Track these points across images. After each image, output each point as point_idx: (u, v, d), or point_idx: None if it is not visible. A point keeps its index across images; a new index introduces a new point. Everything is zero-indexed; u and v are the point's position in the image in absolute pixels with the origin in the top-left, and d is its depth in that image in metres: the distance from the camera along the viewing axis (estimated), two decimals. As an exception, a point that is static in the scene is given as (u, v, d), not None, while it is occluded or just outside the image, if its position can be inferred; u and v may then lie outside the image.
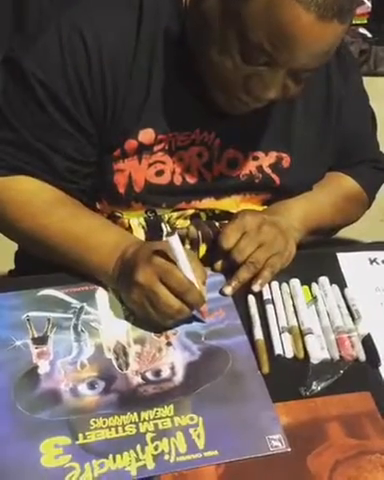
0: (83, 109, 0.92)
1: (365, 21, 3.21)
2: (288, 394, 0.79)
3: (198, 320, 0.88)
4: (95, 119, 0.93)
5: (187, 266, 0.83)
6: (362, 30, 3.19)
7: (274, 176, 1.03)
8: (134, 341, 0.86)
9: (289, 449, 0.73)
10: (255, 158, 1.01)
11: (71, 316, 0.89)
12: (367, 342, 0.85)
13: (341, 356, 0.84)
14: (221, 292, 0.93)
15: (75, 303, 0.91)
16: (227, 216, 1.03)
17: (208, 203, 1.03)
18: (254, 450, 0.73)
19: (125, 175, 0.97)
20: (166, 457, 0.72)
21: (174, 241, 0.81)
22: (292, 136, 1.02)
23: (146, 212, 1.01)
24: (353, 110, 1.07)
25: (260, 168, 1.02)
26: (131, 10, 0.91)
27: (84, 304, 0.91)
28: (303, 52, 0.80)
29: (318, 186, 1.09)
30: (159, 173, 0.98)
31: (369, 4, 3.16)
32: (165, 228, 1.02)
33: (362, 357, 0.84)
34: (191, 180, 1.00)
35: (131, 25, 0.91)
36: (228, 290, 0.93)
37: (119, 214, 1.01)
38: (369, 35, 3.16)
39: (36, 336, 0.86)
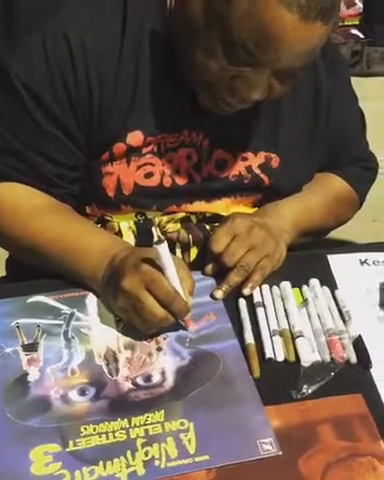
0: (69, 113, 0.92)
1: (357, 22, 3.21)
2: (279, 397, 0.79)
3: (182, 328, 0.87)
4: (81, 123, 0.93)
5: (174, 275, 0.83)
6: (354, 31, 3.19)
7: (263, 176, 1.03)
8: (124, 346, 0.86)
9: (280, 452, 0.73)
10: (244, 159, 1.01)
11: (61, 322, 0.89)
12: (358, 344, 0.85)
13: (332, 358, 0.83)
14: (212, 296, 0.93)
15: (65, 309, 0.91)
16: (218, 219, 1.03)
17: (199, 206, 1.03)
18: (245, 454, 0.72)
19: (114, 178, 0.96)
20: (157, 463, 0.71)
21: (162, 249, 0.81)
22: (281, 136, 1.02)
23: (136, 215, 1.01)
24: (342, 109, 1.07)
25: (249, 168, 1.02)
26: (116, 13, 0.91)
27: (74, 310, 0.90)
28: (287, 53, 0.80)
29: (308, 187, 1.08)
30: (148, 175, 0.98)
31: (361, 5, 3.16)
32: (155, 232, 1.02)
33: (353, 359, 0.83)
34: (180, 182, 0.99)
35: (116, 28, 0.91)
36: (219, 294, 0.92)
37: (109, 218, 1.01)
38: (361, 36, 3.16)
39: (26, 343, 0.86)
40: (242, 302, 0.92)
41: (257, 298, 0.93)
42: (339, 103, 1.06)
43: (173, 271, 0.82)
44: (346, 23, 3.21)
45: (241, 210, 1.04)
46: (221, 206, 1.04)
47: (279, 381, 0.81)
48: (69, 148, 0.95)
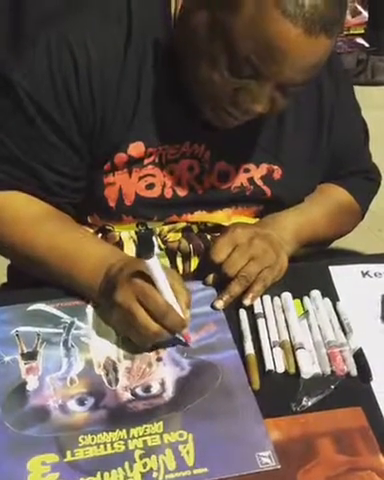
0: (72, 122, 0.92)
1: (362, 31, 3.22)
2: (279, 410, 0.78)
3: (181, 343, 0.86)
4: (84, 133, 0.93)
5: (167, 288, 0.82)
6: (359, 40, 3.20)
7: (265, 188, 1.03)
8: (124, 356, 0.85)
9: (279, 466, 0.72)
10: (246, 170, 1.01)
11: (61, 331, 0.89)
12: (359, 356, 0.85)
13: (332, 371, 0.83)
14: (212, 306, 0.93)
15: (65, 318, 0.90)
16: (219, 229, 1.03)
17: (200, 216, 1.03)
18: (244, 467, 0.72)
19: (115, 189, 0.96)
20: (155, 475, 0.71)
21: (152, 264, 0.80)
22: (283, 148, 1.02)
23: (137, 226, 1.01)
24: (345, 121, 1.07)
25: (251, 180, 1.02)
26: (120, 23, 0.91)
27: (74, 319, 0.90)
28: (290, 66, 0.80)
29: (310, 198, 1.08)
30: (149, 186, 0.97)
31: (366, 14, 3.16)
32: (156, 241, 1.02)
33: (354, 372, 0.83)
34: (182, 193, 0.99)
35: (120, 39, 0.91)
36: (219, 304, 0.92)
37: (110, 227, 1.01)
38: (366, 45, 3.17)
39: (25, 351, 0.86)
40: (243, 313, 0.92)
41: (258, 309, 0.92)
42: (342, 114, 1.05)
43: (166, 284, 0.82)
44: (351, 32, 3.21)
45: (242, 220, 1.04)
46: (222, 216, 1.04)
47: (279, 393, 0.81)
48: (71, 158, 0.95)
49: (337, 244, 1.19)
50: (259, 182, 1.02)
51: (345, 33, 3.20)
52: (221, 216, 1.03)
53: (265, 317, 0.91)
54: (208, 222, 1.03)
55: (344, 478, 0.72)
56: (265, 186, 1.02)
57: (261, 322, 0.90)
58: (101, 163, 0.95)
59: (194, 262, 1.04)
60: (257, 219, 1.06)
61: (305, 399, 0.79)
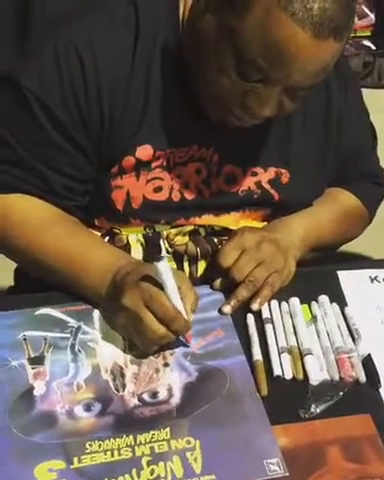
0: (79, 126, 0.92)
1: (369, 33, 3.21)
2: (287, 416, 0.78)
3: (183, 345, 0.86)
4: (91, 136, 0.93)
5: (175, 292, 0.82)
6: (366, 42, 3.19)
7: (273, 192, 1.02)
8: (131, 361, 0.85)
9: (287, 473, 0.72)
10: (254, 174, 1.01)
11: (68, 336, 0.88)
12: (367, 363, 0.84)
13: (341, 377, 0.83)
14: (220, 311, 0.92)
15: (72, 322, 0.90)
16: (226, 232, 1.02)
17: (207, 219, 1.02)
18: (252, 474, 0.71)
19: (123, 192, 0.96)
20: (162, 482, 0.71)
21: (162, 266, 0.80)
22: (291, 152, 1.01)
23: (145, 229, 1.01)
24: (353, 125, 1.06)
25: (259, 184, 1.01)
26: (128, 27, 0.91)
27: (81, 323, 0.90)
28: (298, 70, 0.80)
29: (318, 202, 1.08)
30: (157, 190, 0.97)
31: (373, 16, 3.15)
32: (163, 244, 1.02)
33: (362, 378, 0.82)
34: (189, 196, 0.99)
35: (128, 42, 0.91)
36: (227, 309, 0.92)
37: (117, 231, 1.01)
38: (373, 47, 3.16)
39: (32, 356, 0.85)
40: (250, 318, 0.91)
41: (265, 314, 0.92)
42: (350, 118, 1.05)
43: (174, 288, 0.81)
44: (358, 34, 3.20)
45: (250, 224, 1.03)
46: (230, 220, 1.03)
47: (287, 400, 0.80)
48: (79, 161, 0.94)
49: (345, 249, 1.19)
50: (267, 186, 1.02)
51: (352, 35, 3.19)
52: (229, 220, 1.03)
53: (273, 322, 0.90)
54: (215, 225, 1.03)
55: (353, 486, 0.71)
56: (273, 190, 1.02)
57: (269, 327, 0.89)
58: (109, 166, 0.95)
59: (201, 266, 1.04)
60: (265, 223, 1.06)
61: (313, 406, 0.79)
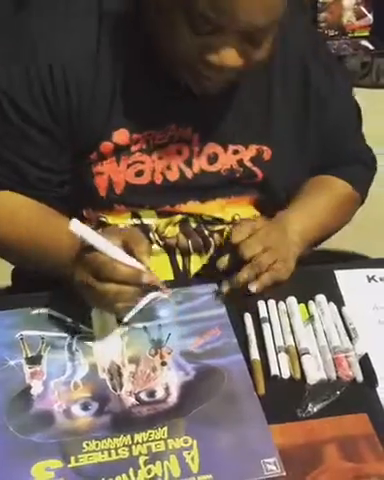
0: (48, 119, 0.93)
1: (367, 33, 3.21)
2: (284, 416, 0.78)
3: (158, 290, 0.84)
4: (63, 127, 0.94)
5: (107, 246, 0.80)
6: (364, 42, 3.19)
7: (256, 169, 1.02)
8: (128, 361, 0.85)
9: (284, 473, 0.72)
10: (235, 152, 1.01)
11: (65, 335, 0.88)
12: (364, 362, 0.84)
13: (338, 376, 0.83)
14: (219, 290, 0.92)
15: (70, 322, 0.90)
16: (217, 222, 1.03)
17: (193, 206, 1.02)
18: (249, 474, 0.71)
19: (105, 178, 0.97)
20: (159, 481, 0.71)
21: (76, 228, 0.78)
22: (272, 129, 1.02)
23: (132, 217, 1.01)
24: (336, 105, 1.06)
25: (241, 162, 1.01)
26: (91, 14, 0.92)
27: (79, 323, 0.90)
28: (243, 10, 0.79)
29: (311, 194, 1.07)
30: (139, 173, 0.98)
31: (371, 17, 3.16)
32: (153, 237, 1.02)
33: (359, 378, 0.82)
34: (172, 178, 0.99)
35: (92, 29, 0.92)
36: (225, 288, 0.92)
37: (104, 219, 1.01)
38: (371, 47, 3.16)
39: (30, 356, 0.85)
40: (248, 317, 0.91)
41: (263, 313, 0.92)
42: (333, 98, 1.05)
43: (104, 242, 0.80)
44: (356, 34, 3.21)
45: (237, 211, 1.03)
46: (216, 207, 1.03)
47: (284, 399, 0.80)
48: (53, 152, 0.96)
49: (342, 248, 1.19)
50: (249, 164, 1.01)
51: (349, 35, 3.19)
52: (214, 206, 1.03)
53: (270, 322, 0.91)
54: (203, 214, 1.03)
55: (350, 485, 0.71)
56: (255, 167, 1.02)
57: (266, 327, 0.89)
58: (87, 153, 0.95)
59: (194, 260, 1.03)
60: (255, 211, 1.05)
61: (310, 405, 0.79)
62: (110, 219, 1.01)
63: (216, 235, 1.05)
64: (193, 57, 0.85)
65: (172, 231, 1.02)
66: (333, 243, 1.17)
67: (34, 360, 0.85)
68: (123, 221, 1.01)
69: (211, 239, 1.04)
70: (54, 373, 0.83)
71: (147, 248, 0.84)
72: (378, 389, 0.82)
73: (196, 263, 1.04)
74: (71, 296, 0.92)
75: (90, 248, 0.81)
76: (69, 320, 0.90)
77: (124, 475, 0.71)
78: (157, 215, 1.02)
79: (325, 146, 1.08)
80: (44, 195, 0.98)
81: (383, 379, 0.82)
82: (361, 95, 1.12)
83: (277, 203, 1.05)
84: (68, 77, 0.91)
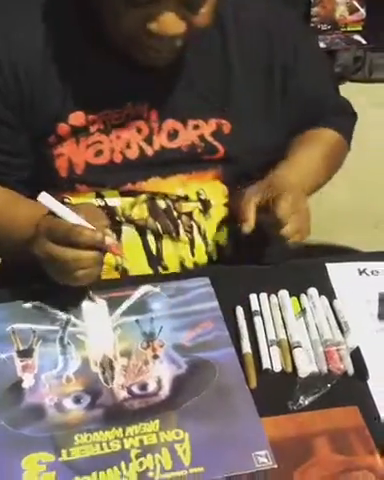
0: (1, 106, 0.94)
1: (360, 28, 3.21)
2: (275, 408, 0.78)
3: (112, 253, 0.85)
4: (15, 113, 0.95)
5: (68, 213, 0.82)
6: (356, 37, 3.19)
7: (217, 144, 1.02)
8: (121, 354, 0.85)
9: (276, 465, 0.72)
10: (196, 127, 1.01)
11: (57, 328, 0.88)
12: (356, 355, 0.84)
13: (329, 370, 0.83)
14: (239, 228, 0.92)
15: (61, 315, 0.90)
16: (183, 200, 1.02)
17: (155, 183, 1.01)
18: (241, 467, 0.72)
19: (65, 159, 0.98)
20: (150, 474, 0.70)
21: (44, 198, 0.82)
22: (231, 101, 1.01)
23: (96, 198, 1.00)
24: (307, 66, 1.06)
25: (202, 137, 1.01)
26: (37, 1, 0.93)
27: (71, 316, 0.90)
28: None
29: (304, 145, 1.09)
30: (98, 153, 0.98)
31: (363, 11, 3.15)
32: (120, 219, 1.02)
33: (350, 371, 0.83)
34: (132, 156, 0.99)
35: (36, 15, 0.93)
36: (246, 228, 0.92)
37: (68, 200, 1.01)
38: (364, 42, 3.16)
39: (21, 349, 0.85)
40: (239, 310, 0.91)
41: (254, 307, 0.92)
42: (303, 61, 1.05)
43: (65, 211, 0.83)
44: (348, 29, 3.20)
45: (202, 186, 1.02)
46: (177, 182, 1.02)
47: (275, 392, 0.80)
48: (8, 136, 0.97)
49: (333, 242, 1.19)
50: (210, 138, 1.01)
51: (342, 30, 3.19)
52: (176, 182, 1.02)
53: (262, 315, 0.91)
54: (168, 193, 1.02)
55: (340, 478, 0.71)
56: (216, 142, 1.01)
57: (258, 320, 0.90)
58: (45, 135, 0.96)
59: (166, 243, 1.03)
60: (221, 185, 1.04)
61: (302, 398, 0.79)
62: (74, 200, 1.01)
63: (184, 217, 1.04)
64: (135, 29, 0.85)
65: (140, 213, 1.02)
66: (324, 237, 1.17)
67: (25, 353, 0.84)
68: (86, 201, 1.01)
69: (179, 221, 1.03)
70: (46, 366, 0.83)
71: (106, 223, 0.86)
72: (369, 382, 0.82)
73: (168, 246, 1.04)
74: (62, 289, 0.93)
75: (50, 218, 0.83)
76: (61, 313, 0.90)
77: (116, 468, 0.71)
78: (120, 195, 1.01)
79: (306, 111, 1.09)
80: (5, 179, 0.99)
81: (374, 372, 0.82)
82: (353, 90, 1.13)
83: (243, 177, 1.05)
84: (18, 69, 0.93)
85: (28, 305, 0.91)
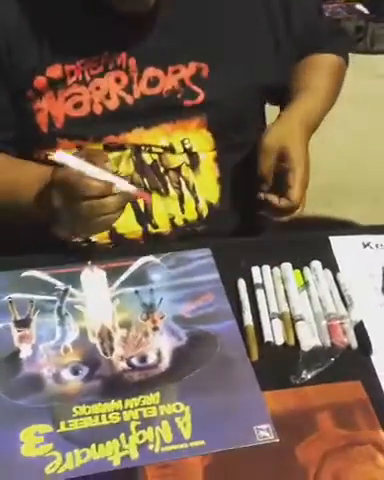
0: None
1: (362, -3, 3.16)
2: (278, 382, 0.77)
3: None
4: None
5: (87, 168, 0.81)
6: (359, 6, 3.13)
7: (196, 88, 1.00)
8: (120, 325, 0.83)
9: (277, 440, 0.71)
10: (176, 72, 0.99)
11: (55, 298, 0.86)
12: (359, 329, 0.83)
13: (332, 343, 0.81)
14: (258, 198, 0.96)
15: (59, 285, 0.88)
16: (170, 152, 1.00)
17: (138, 134, 1.00)
18: (242, 440, 0.71)
19: (45, 114, 0.96)
20: (151, 447, 0.69)
21: (60, 156, 0.81)
22: (208, 43, 1.00)
23: (77, 149, 0.98)
24: (300, 14, 1.07)
25: (182, 82, 0.99)
26: None
27: (69, 286, 0.88)
28: None
29: (316, 75, 1.09)
30: (77, 105, 0.97)
31: (367, -20, 3.10)
32: None
33: (354, 344, 0.81)
34: (112, 107, 0.98)
35: None
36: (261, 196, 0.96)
37: (51, 157, 0.99)
38: (366, 12, 3.11)
39: (18, 319, 0.83)
40: (241, 283, 0.89)
41: (257, 279, 0.90)
42: (295, 9, 1.06)
43: (84, 165, 0.81)
44: (351, -2, 3.15)
45: (187, 136, 1.01)
46: (161, 133, 1.00)
47: (278, 366, 0.79)
48: None
49: (336, 216, 1.17)
50: (189, 83, 0.99)
51: (344, -1, 3.14)
52: (160, 132, 1.00)
53: (264, 288, 0.89)
54: (151, 144, 1.00)
55: (343, 452, 0.70)
56: (195, 86, 1.00)
57: (260, 293, 0.88)
58: (22, 91, 0.95)
59: (154, 199, 1.01)
60: (207, 133, 1.02)
61: (304, 372, 0.78)
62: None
63: (171, 172, 1.02)
64: None
65: (126, 169, 1.00)
66: (325, 209, 1.15)
67: (23, 323, 0.83)
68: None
69: (167, 177, 1.01)
70: (43, 337, 0.81)
71: (106, 157, 0.85)
72: (372, 356, 0.81)
73: (157, 203, 1.02)
74: (60, 259, 0.91)
75: (63, 172, 0.82)
76: (59, 283, 0.88)
77: (115, 440, 0.70)
78: (104, 148, 0.99)
79: (302, 43, 1.09)
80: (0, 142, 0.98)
81: (377, 346, 0.81)
82: (355, 61, 1.11)
83: (227, 124, 1.03)
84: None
85: (25, 275, 0.89)
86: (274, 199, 0.97)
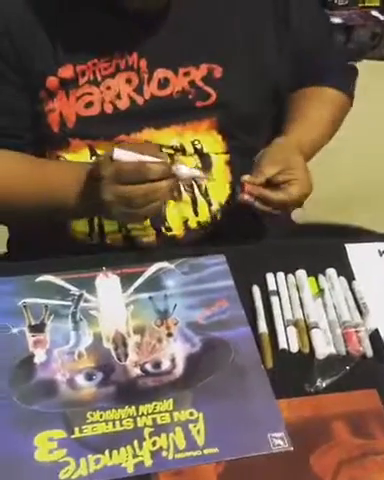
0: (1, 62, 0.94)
1: (377, 3, 3.14)
2: (292, 390, 0.76)
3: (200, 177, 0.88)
4: (14, 68, 0.95)
5: (145, 157, 0.82)
6: (374, 13, 3.12)
7: (208, 89, 1.00)
8: (134, 331, 0.83)
9: (292, 448, 0.70)
10: (186, 74, 0.99)
11: (70, 303, 0.86)
12: (375, 338, 0.82)
13: (348, 351, 0.81)
14: (239, 199, 0.92)
15: (74, 290, 0.88)
16: (181, 153, 1.00)
17: (149, 134, 0.99)
18: (255, 448, 0.70)
19: (56, 114, 0.97)
20: (164, 454, 0.69)
21: (117, 153, 0.82)
22: (221, 44, 1.00)
23: (91, 156, 0.99)
24: (302, 16, 1.06)
25: (193, 83, 0.99)
26: None
27: (83, 291, 0.88)
28: None
29: (315, 107, 1.08)
30: (88, 105, 0.97)
31: (382, -14, 3.09)
32: None
33: (369, 353, 0.81)
34: (122, 107, 0.98)
35: None
36: (245, 197, 0.91)
37: (63, 159, 1.00)
38: (382, 18, 3.09)
39: (33, 324, 0.83)
40: (256, 289, 0.89)
41: (272, 286, 0.90)
42: (299, 11, 1.05)
43: (139, 157, 0.82)
44: (366, 4, 3.14)
45: (197, 137, 1.01)
46: (172, 133, 1.00)
47: (292, 373, 0.79)
48: (13, 94, 0.97)
49: (349, 223, 1.16)
50: (200, 84, 0.99)
51: (360, 5, 3.13)
52: (171, 133, 1.00)
53: (279, 295, 0.89)
54: (162, 145, 1.00)
55: (358, 462, 0.70)
56: (207, 87, 0.99)
57: (275, 300, 0.88)
58: (35, 92, 0.96)
59: (169, 202, 1.01)
60: (217, 135, 1.02)
61: (319, 380, 0.77)
62: (68, 157, 0.99)
63: None
64: None
65: None
66: (339, 217, 1.15)
67: (37, 328, 0.83)
68: (81, 159, 0.99)
69: (179, 181, 1.01)
70: (58, 342, 0.81)
71: (158, 147, 0.88)
72: (388, 365, 0.80)
73: (170, 206, 1.01)
74: (75, 264, 0.91)
75: (116, 164, 0.82)
76: (73, 288, 0.88)
77: (129, 446, 0.70)
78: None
79: (302, 58, 1.07)
80: (18, 143, 0.99)
81: (393, 355, 0.81)
82: (370, 68, 1.10)
83: (239, 125, 1.03)
84: (9, 25, 0.93)
85: (40, 279, 0.89)
86: (269, 193, 0.92)
